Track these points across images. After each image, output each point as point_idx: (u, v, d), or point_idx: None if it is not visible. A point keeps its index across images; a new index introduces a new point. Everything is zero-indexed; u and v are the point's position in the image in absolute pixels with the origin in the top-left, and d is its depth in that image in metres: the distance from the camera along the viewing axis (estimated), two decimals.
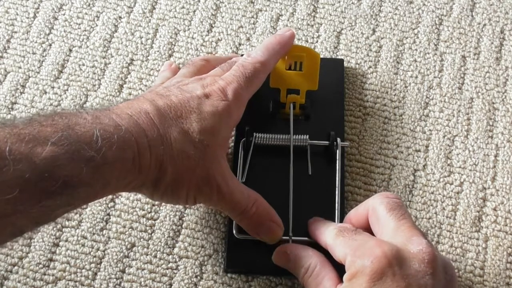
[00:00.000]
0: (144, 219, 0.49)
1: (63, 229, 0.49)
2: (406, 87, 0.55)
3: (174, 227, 0.49)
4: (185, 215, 0.49)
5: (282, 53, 0.49)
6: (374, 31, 0.58)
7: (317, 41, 0.57)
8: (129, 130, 0.38)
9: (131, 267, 0.48)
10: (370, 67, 0.56)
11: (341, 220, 0.47)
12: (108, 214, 0.49)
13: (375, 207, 0.42)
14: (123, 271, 0.47)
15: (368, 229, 0.43)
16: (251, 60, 0.47)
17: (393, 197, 0.42)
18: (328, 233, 0.43)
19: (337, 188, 0.49)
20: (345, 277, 0.39)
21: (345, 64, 0.56)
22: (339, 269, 0.41)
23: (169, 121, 0.41)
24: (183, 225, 0.49)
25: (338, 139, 0.50)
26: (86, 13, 0.58)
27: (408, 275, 0.37)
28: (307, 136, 0.50)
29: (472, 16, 0.59)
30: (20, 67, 0.55)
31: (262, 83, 0.48)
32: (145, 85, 0.55)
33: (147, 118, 0.40)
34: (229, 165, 0.45)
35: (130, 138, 0.38)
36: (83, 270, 0.47)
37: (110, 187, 0.38)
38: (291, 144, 0.49)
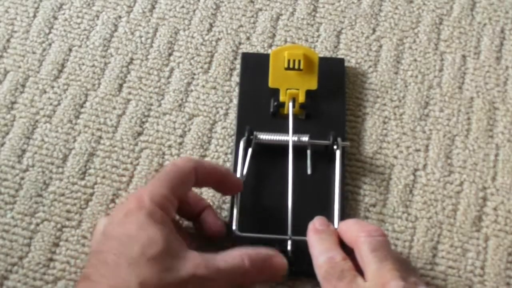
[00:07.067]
0: None
1: (63, 229, 0.48)
2: (406, 86, 0.55)
3: None
4: None
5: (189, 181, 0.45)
6: (374, 30, 0.58)
7: (317, 41, 0.57)
8: None
9: None
10: (370, 66, 0.56)
11: (341, 219, 0.47)
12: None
13: (359, 246, 0.42)
14: None
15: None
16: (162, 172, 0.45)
17: (378, 234, 0.42)
18: (318, 267, 0.43)
19: (337, 188, 0.49)
20: None
21: (345, 63, 0.56)
22: None
23: None
24: (183, 225, 0.49)
25: (339, 139, 0.50)
26: (86, 13, 0.58)
27: None
28: (308, 136, 0.50)
29: (472, 15, 0.59)
30: (20, 67, 0.55)
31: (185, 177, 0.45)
32: (145, 84, 0.55)
33: None
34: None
35: None
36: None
37: None
38: (290, 142, 0.49)
